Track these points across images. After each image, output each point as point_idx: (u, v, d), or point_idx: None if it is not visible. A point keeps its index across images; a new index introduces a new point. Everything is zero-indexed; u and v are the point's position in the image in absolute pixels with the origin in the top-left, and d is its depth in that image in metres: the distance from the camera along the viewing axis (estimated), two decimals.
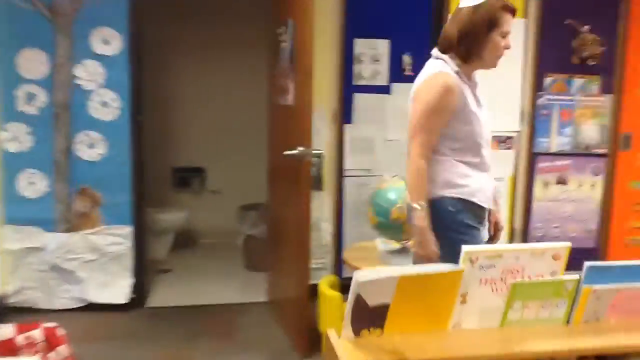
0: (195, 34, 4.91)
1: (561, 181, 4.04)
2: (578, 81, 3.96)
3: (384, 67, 3.70)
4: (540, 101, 3.91)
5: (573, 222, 4.12)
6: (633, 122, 4.07)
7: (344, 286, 2.93)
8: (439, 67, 2.10)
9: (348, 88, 3.70)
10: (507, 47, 2.14)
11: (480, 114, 2.14)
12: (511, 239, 4.00)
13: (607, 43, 3.89)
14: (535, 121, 3.92)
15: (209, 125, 5.08)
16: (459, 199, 2.08)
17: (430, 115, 2.05)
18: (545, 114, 3.93)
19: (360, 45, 3.67)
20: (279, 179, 3.40)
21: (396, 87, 3.73)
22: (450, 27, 2.13)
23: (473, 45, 2.08)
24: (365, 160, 3.79)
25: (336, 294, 2.83)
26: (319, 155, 3.34)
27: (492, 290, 1.25)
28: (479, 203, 2.11)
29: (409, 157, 2.08)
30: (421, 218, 2.04)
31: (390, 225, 2.73)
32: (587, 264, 1.31)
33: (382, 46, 3.68)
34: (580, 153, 4.01)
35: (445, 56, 2.12)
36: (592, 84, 3.98)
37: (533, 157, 3.96)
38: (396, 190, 2.75)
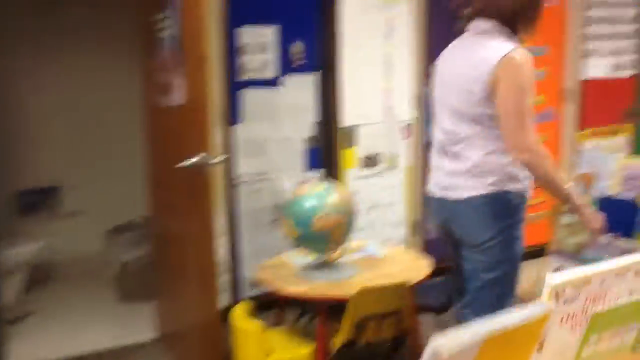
0: (39, 20, 4.11)
1: None
2: None
3: (272, 57, 3.31)
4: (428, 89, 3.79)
5: None
6: None
7: (258, 309, 2.52)
8: (509, 42, 1.95)
9: (234, 83, 3.25)
10: None
11: None
12: (413, 233, 3.84)
13: None
14: (426, 108, 3.79)
15: (62, 135, 4.30)
16: (520, 193, 2.04)
17: (529, 98, 1.92)
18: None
19: (245, 34, 3.24)
20: (166, 192, 2.88)
21: (287, 79, 3.36)
22: None
23: (532, 19, 2.01)
24: (258, 163, 3.38)
25: (255, 326, 2.40)
26: (221, 162, 2.86)
27: (571, 328, 0.96)
28: (528, 197, 2.08)
29: (527, 152, 1.90)
30: (578, 197, 2.04)
31: (315, 236, 2.37)
32: None
33: (269, 34, 3.29)
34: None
35: (502, 30, 1.97)
36: None
37: (423, 147, 3.83)
38: (316, 197, 2.39)
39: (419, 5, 3.66)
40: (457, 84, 2.02)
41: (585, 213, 2.07)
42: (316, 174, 3.49)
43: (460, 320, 2.48)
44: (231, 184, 3.31)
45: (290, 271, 2.55)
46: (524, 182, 2.04)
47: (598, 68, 4.37)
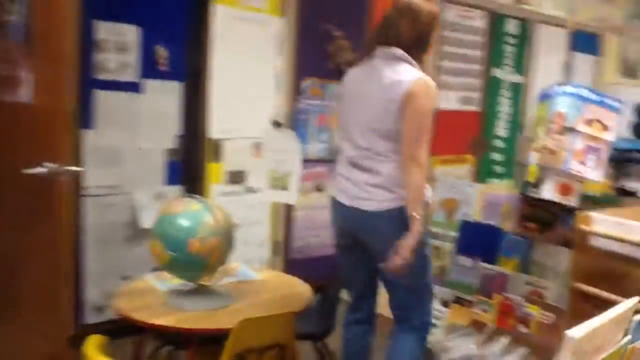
0: None
1: (319, 188, 3.89)
2: (333, 86, 3.87)
3: (133, 58, 2.97)
4: (298, 106, 3.70)
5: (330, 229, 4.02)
6: None
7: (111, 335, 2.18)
8: (416, 70, 2.12)
9: (88, 83, 2.86)
10: None
11: None
12: (275, 253, 3.69)
13: (357, 50, 3.89)
14: (294, 126, 3.69)
15: None
16: (427, 202, 2.15)
17: (430, 119, 2.09)
18: (303, 119, 3.73)
19: (103, 29, 2.87)
20: (4, 201, 2.40)
21: (149, 84, 3.04)
22: (407, 26, 2.13)
23: (424, 49, 2.19)
24: (111, 174, 3.00)
25: None
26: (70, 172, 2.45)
27: None
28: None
29: (418, 164, 2.05)
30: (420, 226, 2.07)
31: (189, 261, 2.10)
32: (635, 318, 1.02)
33: (131, 33, 2.95)
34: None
35: (408, 56, 2.13)
36: None
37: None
38: (191, 216, 2.13)
39: (291, 23, 3.58)
40: (372, 104, 2.14)
41: (412, 239, 2.04)
42: (175, 189, 3.20)
43: (353, 337, 2.42)
44: (78, 196, 2.89)
45: (156, 299, 2.25)
46: (427, 192, 2.15)
47: (448, 101, 4.63)
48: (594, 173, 2.61)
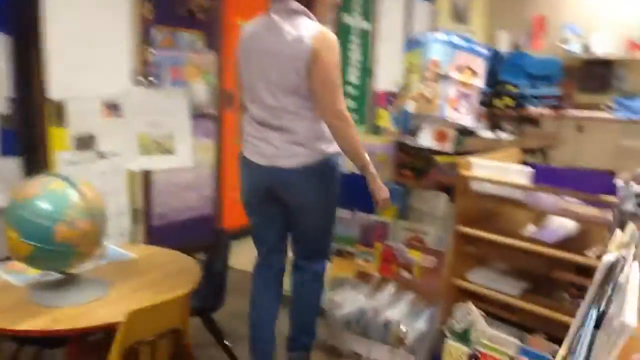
0: None
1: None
2: (186, 36, 3.53)
3: None
4: (150, 57, 3.32)
5: (191, 190, 3.76)
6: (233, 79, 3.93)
7: None
8: (315, 24, 2.08)
9: None
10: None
11: None
12: (135, 222, 3.36)
13: None
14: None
15: None
16: (338, 154, 2.21)
17: (339, 71, 2.08)
18: (157, 73, 3.37)
19: None
20: None
21: None
22: None
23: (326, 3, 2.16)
24: None
25: None
26: None
27: None
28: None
29: (343, 119, 2.08)
30: (372, 166, 2.21)
31: (56, 251, 1.77)
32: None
33: None
34: (195, 114, 3.63)
35: (306, 11, 2.09)
36: (198, 39, 3.62)
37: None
38: (53, 198, 1.78)
39: None
40: (276, 61, 2.08)
41: (376, 183, 2.23)
42: (12, 161, 2.72)
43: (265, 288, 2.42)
44: None
45: (17, 297, 1.88)
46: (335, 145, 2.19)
47: None
48: (467, 119, 2.67)
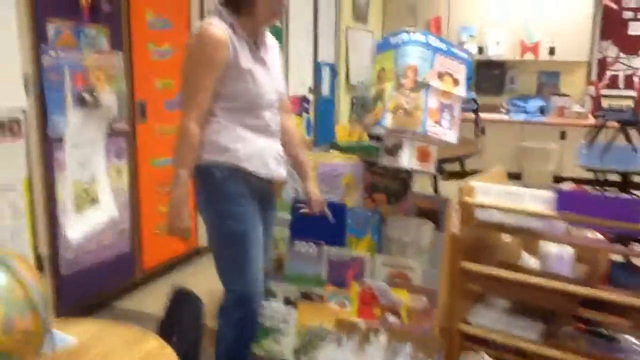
0: None
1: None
2: (88, 32, 2.84)
3: None
4: (46, 60, 2.61)
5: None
6: (146, 86, 3.30)
7: None
8: (210, 20, 1.93)
9: None
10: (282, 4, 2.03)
11: (259, 73, 1.97)
12: (41, 270, 2.64)
13: None
14: (45, 90, 2.60)
15: None
16: (228, 165, 1.95)
17: (199, 72, 1.89)
18: (56, 79, 2.66)
19: None
20: None
21: None
22: None
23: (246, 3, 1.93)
24: None
25: None
26: None
27: None
28: (252, 170, 1.98)
29: (180, 121, 1.93)
30: (179, 188, 1.89)
31: None
32: None
33: None
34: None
35: (222, 9, 1.95)
36: (102, 35, 2.94)
37: (50, 145, 2.65)
38: None
39: None
40: None
41: (175, 206, 1.91)
42: None
43: None
44: None
45: None
46: (235, 154, 1.95)
47: None
48: (449, 134, 2.33)
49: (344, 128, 5.39)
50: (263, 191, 2.09)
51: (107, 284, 3.12)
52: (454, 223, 2.45)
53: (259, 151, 1.99)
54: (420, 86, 2.28)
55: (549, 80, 6.92)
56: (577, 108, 6.67)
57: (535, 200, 1.97)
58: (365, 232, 2.50)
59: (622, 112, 5.11)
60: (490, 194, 2.06)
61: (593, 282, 2.03)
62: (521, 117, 6.67)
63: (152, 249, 3.40)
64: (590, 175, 4.62)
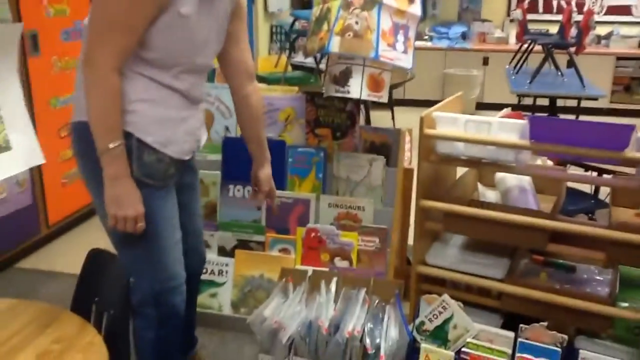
0: None
1: None
2: None
3: None
4: None
5: None
6: (36, 12, 2.78)
7: None
8: None
9: None
10: None
11: (201, 24, 1.41)
12: None
13: None
14: None
15: None
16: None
17: (129, 5, 1.28)
18: None
19: None
20: None
21: None
22: None
23: None
24: None
25: None
26: None
27: None
28: (161, 149, 1.43)
29: (93, 68, 1.32)
30: (113, 164, 1.34)
31: None
32: None
33: None
34: None
35: None
36: None
37: None
38: None
39: None
40: None
41: (115, 187, 1.37)
42: None
43: None
44: None
45: None
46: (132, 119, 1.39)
47: None
48: (404, 58, 2.07)
49: (267, 59, 5.03)
50: (175, 175, 1.55)
51: (7, 242, 2.71)
52: (407, 157, 2.24)
53: (168, 123, 1.45)
54: (372, 4, 2.00)
55: (470, 5, 6.78)
56: (498, 33, 6.61)
57: (505, 130, 1.77)
58: (309, 171, 2.24)
59: (550, 35, 5.05)
60: (455, 124, 1.84)
61: (556, 214, 1.89)
62: (444, 43, 6.53)
63: (57, 201, 2.98)
64: (514, 100, 4.57)
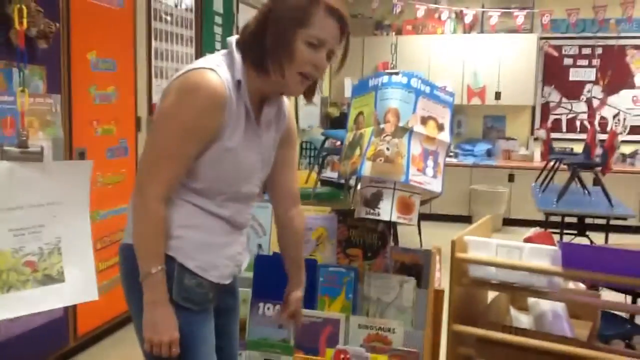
0: None
1: None
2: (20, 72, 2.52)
3: None
4: None
5: None
6: (86, 132, 2.98)
7: None
8: (216, 64, 1.38)
9: None
10: (316, 65, 1.41)
11: (247, 156, 1.46)
12: None
13: (50, 18, 2.60)
14: None
15: None
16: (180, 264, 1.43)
17: (182, 135, 1.36)
18: None
19: None
20: None
21: None
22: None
23: (272, 47, 1.37)
24: None
25: None
26: None
27: None
28: (201, 274, 1.46)
29: (141, 196, 1.39)
30: (153, 290, 1.38)
31: None
32: None
33: None
34: None
35: (236, 51, 1.42)
36: (37, 77, 2.62)
37: None
38: None
39: None
40: None
41: (153, 313, 1.40)
42: None
43: None
44: None
45: None
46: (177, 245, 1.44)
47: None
48: (434, 183, 2.15)
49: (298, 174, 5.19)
50: (213, 299, 1.56)
51: (36, 354, 2.72)
52: (437, 277, 2.25)
53: (211, 248, 1.49)
54: (403, 131, 2.10)
55: (495, 124, 6.99)
56: (523, 151, 6.75)
57: (537, 255, 1.79)
58: (340, 291, 2.25)
59: (575, 155, 5.15)
60: (486, 248, 1.87)
61: (593, 343, 1.85)
62: (469, 160, 6.67)
63: (88, 311, 3.01)
64: (540, 217, 4.58)
